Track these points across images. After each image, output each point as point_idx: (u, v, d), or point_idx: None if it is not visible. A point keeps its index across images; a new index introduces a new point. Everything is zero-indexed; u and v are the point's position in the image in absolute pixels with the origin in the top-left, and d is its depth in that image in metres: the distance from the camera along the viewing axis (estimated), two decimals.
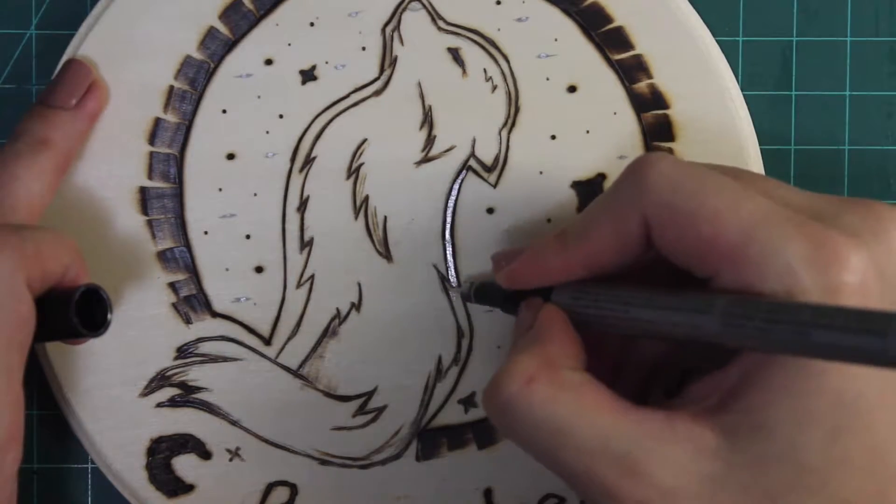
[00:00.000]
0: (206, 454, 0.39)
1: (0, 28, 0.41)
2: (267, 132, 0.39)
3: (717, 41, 0.39)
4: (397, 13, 0.39)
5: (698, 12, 0.39)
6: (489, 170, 0.39)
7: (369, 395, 0.39)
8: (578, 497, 0.31)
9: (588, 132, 0.39)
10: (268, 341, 0.39)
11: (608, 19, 0.39)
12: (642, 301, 0.30)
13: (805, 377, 0.27)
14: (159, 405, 0.39)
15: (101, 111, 0.38)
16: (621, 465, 0.28)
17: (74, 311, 0.33)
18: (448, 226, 0.39)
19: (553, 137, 0.39)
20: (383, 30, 0.39)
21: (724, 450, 0.28)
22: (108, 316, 0.34)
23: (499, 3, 0.39)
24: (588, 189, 0.39)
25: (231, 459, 0.39)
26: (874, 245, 0.28)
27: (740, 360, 0.29)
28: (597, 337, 0.32)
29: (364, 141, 0.39)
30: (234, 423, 0.39)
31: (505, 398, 0.30)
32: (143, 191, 0.39)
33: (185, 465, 0.39)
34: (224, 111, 0.39)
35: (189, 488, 0.39)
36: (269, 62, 0.39)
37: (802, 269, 0.27)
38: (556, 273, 0.33)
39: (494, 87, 0.39)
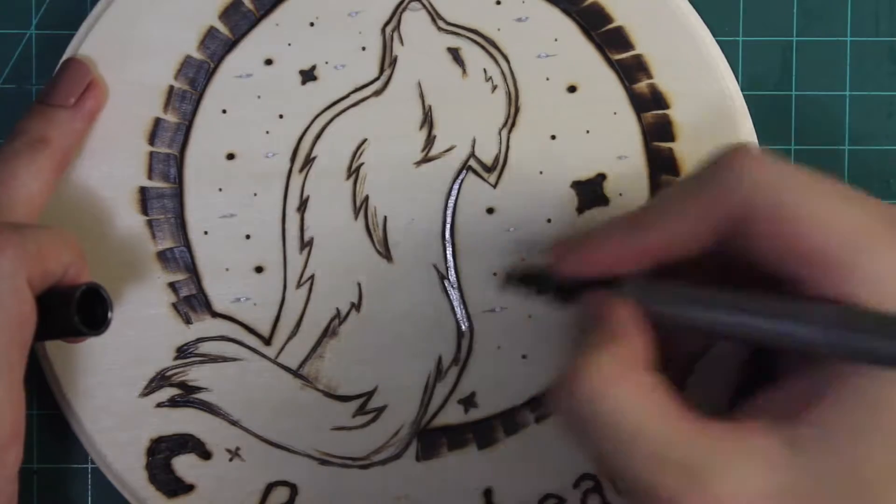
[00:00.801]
0: (206, 454, 0.39)
1: (0, 28, 0.41)
2: (267, 132, 0.39)
3: (717, 41, 0.39)
4: (397, 13, 0.39)
5: (698, 12, 0.39)
6: (489, 170, 0.39)
7: (369, 395, 0.39)
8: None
9: (588, 132, 0.39)
10: (268, 341, 0.39)
11: (608, 19, 0.39)
12: (732, 302, 0.29)
13: (879, 389, 0.27)
14: (159, 405, 0.39)
15: (99, 110, 0.38)
16: (689, 476, 0.27)
17: (76, 310, 0.33)
18: (448, 226, 0.39)
19: (553, 137, 0.39)
20: (383, 30, 0.39)
21: (793, 463, 0.27)
22: (109, 315, 0.34)
23: (499, 3, 0.39)
24: (588, 189, 0.39)
25: (231, 459, 0.39)
26: None
27: (811, 370, 0.28)
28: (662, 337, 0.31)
29: (364, 141, 0.39)
30: (234, 423, 0.39)
31: (582, 397, 0.28)
32: (143, 191, 0.39)
33: (185, 465, 0.39)
34: (224, 111, 0.39)
35: (189, 488, 0.39)
36: (269, 62, 0.39)
37: None
38: (625, 261, 0.31)
39: (494, 87, 0.39)
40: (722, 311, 0.29)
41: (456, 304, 0.39)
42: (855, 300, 0.27)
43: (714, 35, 0.39)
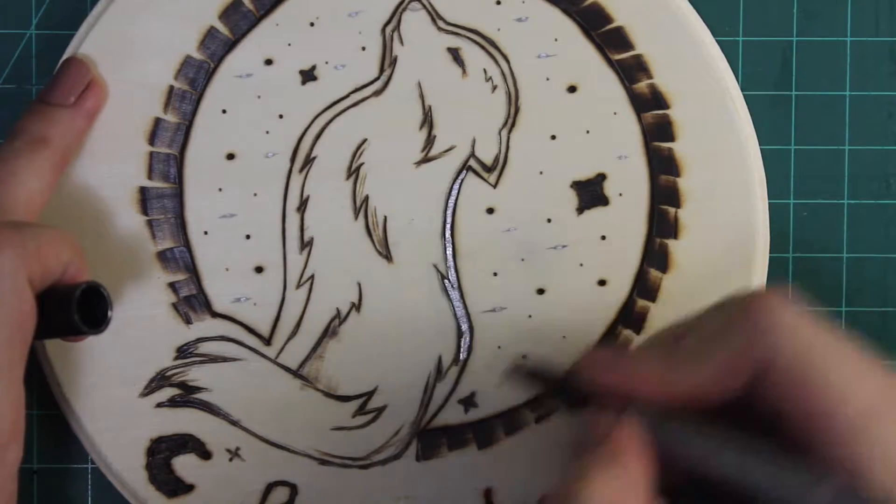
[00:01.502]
0: (206, 454, 0.39)
1: (0, 28, 0.41)
2: (267, 132, 0.39)
3: (717, 41, 0.39)
4: (397, 13, 0.39)
5: (698, 12, 0.39)
6: (489, 170, 0.39)
7: (369, 395, 0.39)
8: None
9: (588, 132, 0.39)
10: (268, 341, 0.39)
11: (608, 19, 0.39)
12: (740, 450, 0.28)
13: None
14: (159, 405, 0.39)
15: (99, 109, 0.38)
16: None
17: (76, 309, 0.33)
18: (448, 226, 0.39)
19: (553, 137, 0.39)
20: (383, 30, 0.39)
21: None
22: (109, 313, 0.34)
23: (499, 3, 0.39)
24: (588, 189, 0.39)
25: (231, 459, 0.39)
26: None
27: None
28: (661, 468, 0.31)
29: (364, 141, 0.39)
30: (234, 423, 0.39)
31: None
32: (143, 191, 0.39)
33: (184, 465, 0.39)
34: (224, 111, 0.39)
35: (189, 488, 0.39)
36: (269, 62, 0.39)
37: None
38: (650, 390, 0.31)
39: (494, 87, 0.39)
40: (729, 455, 0.29)
41: (456, 304, 0.39)
42: (862, 471, 0.27)
43: (714, 35, 0.39)
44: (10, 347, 0.31)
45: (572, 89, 0.39)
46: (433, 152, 0.39)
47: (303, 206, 0.39)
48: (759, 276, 0.39)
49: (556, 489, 0.29)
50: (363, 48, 0.39)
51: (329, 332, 0.39)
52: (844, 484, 0.27)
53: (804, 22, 0.41)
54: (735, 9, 0.41)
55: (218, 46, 0.39)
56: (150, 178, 0.39)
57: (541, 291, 0.39)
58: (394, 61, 0.39)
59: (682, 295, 0.39)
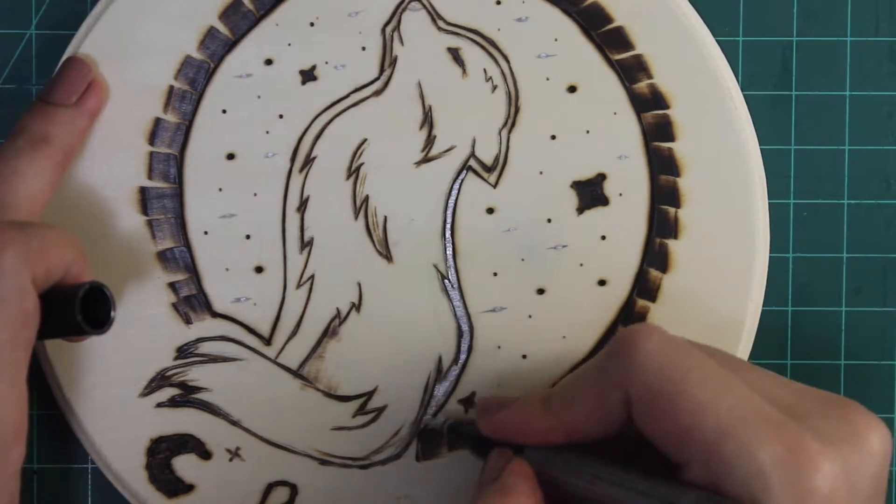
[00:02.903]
0: (206, 454, 0.39)
1: (0, 28, 0.41)
2: (267, 132, 0.39)
3: (717, 41, 0.39)
4: (397, 13, 0.39)
5: (698, 12, 0.39)
6: (489, 170, 0.39)
7: (369, 395, 0.39)
8: None
9: (588, 132, 0.39)
10: (268, 341, 0.39)
11: (608, 19, 0.39)
12: (610, 478, 0.31)
13: None
14: (159, 405, 0.39)
15: (101, 109, 0.38)
16: None
17: (79, 309, 0.33)
18: (448, 226, 0.39)
19: (553, 137, 0.39)
20: (383, 30, 0.39)
21: None
22: (112, 314, 0.34)
23: (499, 3, 0.39)
24: (588, 189, 0.39)
25: (231, 459, 0.39)
26: (849, 454, 0.29)
27: None
28: (558, 498, 0.33)
29: (364, 141, 0.39)
30: (234, 423, 0.39)
31: None
32: (143, 191, 0.39)
33: (185, 465, 0.39)
34: (224, 111, 0.39)
35: (189, 488, 0.39)
36: (269, 62, 0.39)
37: (774, 473, 0.28)
38: (537, 434, 0.34)
39: (494, 87, 0.39)
40: (600, 484, 0.31)
41: (456, 304, 0.39)
42: (725, 490, 0.29)
43: (714, 35, 0.39)
44: (13, 347, 0.31)
45: (572, 89, 0.39)
46: (433, 152, 0.39)
47: (303, 206, 0.39)
48: (759, 276, 0.39)
49: None
50: (363, 48, 0.39)
51: (329, 332, 0.39)
52: (703, 495, 0.29)
53: (804, 22, 0.41)
54: (735, 9, 0.41)
55: (218, 46, 0.39)
56: (150, 178, 0.39)
57: (541, 291, 0.39)
58: (394, 61, 0.39)
59: (682, 295, 0.39)
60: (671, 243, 0.39)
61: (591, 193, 0.39)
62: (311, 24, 0.39)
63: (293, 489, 0.39)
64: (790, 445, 0.28)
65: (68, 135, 0.37)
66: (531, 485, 0.33)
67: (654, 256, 0.39)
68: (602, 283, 0.39)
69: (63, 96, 0.37)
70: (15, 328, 0.31)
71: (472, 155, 0.39)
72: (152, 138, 0.39)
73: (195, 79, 0.39)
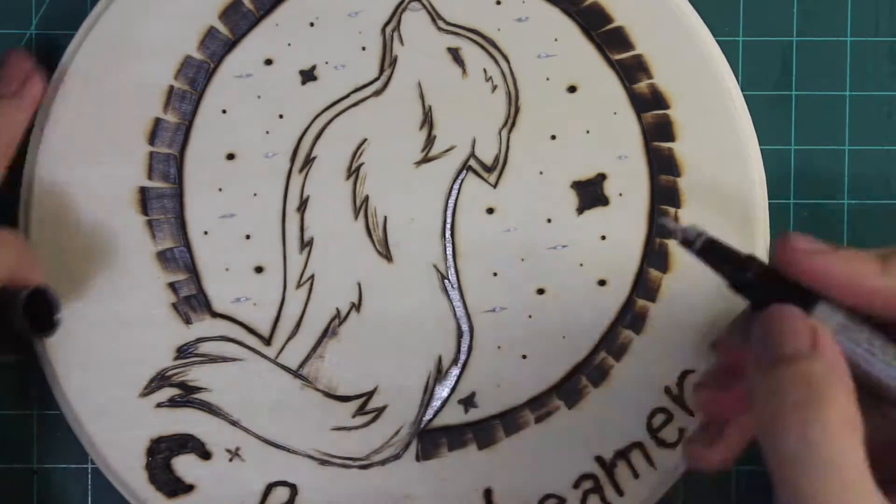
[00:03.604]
0: (206, 454, 0.39)
1: (0, 28, 0.41)
2: (267, 132, 0.39)
3: (717, 41, 0.39)
4: (397, 13, 0.39)
5: (698, 12, 0.39)
6: (489, 170, 0.39)
7: (369, 395, 0.39)
8: None
9: (588, 132, 0.39)
10: (268, 341, 0.39)
11: (608, 19, 0.39)
12: None
13: None
14: (159, 405, 0.39)
15: (41, 98, 0.39)
16: None
17: (22, 313, 0.32)
18: (448, 226, 0.39)
19: (553, 137, 0.39)
20: (383, 30, 0.39)
21: None
22: (56, 316, 0.34)
23: (499, 3, 0.39)
24: (588, 189, 0.39)
25: (231, 459, 0.39)
26: None
27: None
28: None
29: (364, 141, 0.39)
30: (234, 423, 0.39)
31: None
32: (143, 191, 0.39)
33: (184, 465, 0.39)
34: (224, 111, 0.39)
35: (189, 488, 0.39)
36: (269, 62, 0.39)
37: None
38: (863, 295, 0.28)
39: (494, 87, 0.39)
40: None
41: (456, 304, 0.39)
42: None
43: (714, 35, 0.39)
44: None
45: (572, 89, 0.39)
46: (433, 152, 0.39)
47: (303, 206, 0.39)
48: None
49: (777, 409, 0.26)
50: (363, 48, 0.39)
51: (329, 332, 0.39)
52: None
53: (804, 22, 0.41)
54: (735, 9, 0.41)
55: (218, 46, 0.39)
56: (150, 178, 0.39)
57: (541, 291, 0.39)
58: (394, 61, 0.39)
59: (682, 295, 0.39)
60: (671, 243, 0.39)
61: (591, 193, 0.39)
62: (311, 24, 0.39)
63: (293, 489, 0.39)
64: None
65: (11, 126, 0.37)
66: (850, 386, 0.26)
67: (654, 256, 0.39)
68: (602, 283, 0.39)
69: (3, 88, 0.38)
70: None
71: (472, 155, 0.39)
72: (152, 138, 0.39)
73: (195, 79, 0.39)
